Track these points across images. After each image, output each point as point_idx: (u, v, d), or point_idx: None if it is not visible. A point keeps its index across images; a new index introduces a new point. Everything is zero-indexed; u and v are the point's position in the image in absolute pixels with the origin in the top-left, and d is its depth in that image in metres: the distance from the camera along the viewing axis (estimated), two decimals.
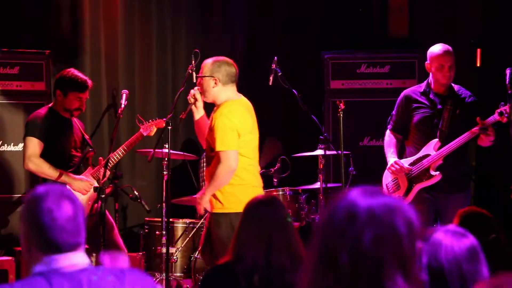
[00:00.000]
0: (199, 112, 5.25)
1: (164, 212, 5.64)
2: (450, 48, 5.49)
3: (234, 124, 4.95)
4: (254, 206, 3.44)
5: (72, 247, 2.22)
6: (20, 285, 2.17)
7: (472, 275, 2.18)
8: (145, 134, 5.84)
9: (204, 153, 6.60)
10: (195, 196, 5.22)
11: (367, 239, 1.67)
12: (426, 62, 5.53)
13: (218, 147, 4.90)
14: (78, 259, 2.23)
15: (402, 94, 5.70)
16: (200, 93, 5.17)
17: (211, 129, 4.98)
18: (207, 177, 5.10)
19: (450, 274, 2.19)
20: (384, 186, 5.70)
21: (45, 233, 2.19)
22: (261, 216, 3.34)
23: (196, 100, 5.18)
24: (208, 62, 5.14)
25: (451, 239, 2.25)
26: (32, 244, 2.22)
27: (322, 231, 1.75)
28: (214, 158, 4.97)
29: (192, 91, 5.19)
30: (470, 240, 2.28)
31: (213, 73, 5.08)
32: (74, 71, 5.52)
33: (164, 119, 5.81)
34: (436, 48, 5.49)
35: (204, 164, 6.77)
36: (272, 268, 3.21)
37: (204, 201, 4.98)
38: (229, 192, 4.93)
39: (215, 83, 5.08)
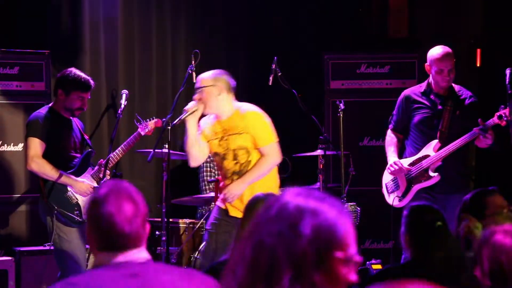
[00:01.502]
0: (195, 126, 5.19)
1: (164, 212, 5.64)
2: (449, 50, 5.47)
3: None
4: (253, 204, 3.45)
5: (133, 246, 2.29)
6: (87, 277, 2.28)
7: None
8: (143, 133, 5.84)
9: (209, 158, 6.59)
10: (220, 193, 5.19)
11: (267, 233, 1.69)
12: (426, 64, 5.53)
13: (270, 140, 5.15)
14: (138, 255, 2.29)
15: (402, 94, 5.70)
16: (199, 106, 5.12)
17: (251, 127, 5.11)
18: (222, 183, 5.15)
19: None
20: (384, 186, 5.70)
21: (104, 236, 2.28)
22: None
23: (194, 111, 5.12)
24: (207, 74, 5.17)
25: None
26: (94, 244, 2.32)
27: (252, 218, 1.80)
28: (248, 154, 5.12)
29: (192, 103, 5.14)
30: None
31: (215, 82, 5.10)
32: (76, 71, 5.51)
33: (164, 119, 5.81)
34: (436, 51, 5.47)
35: (206, 166, 6.77)
36: None
37: (240, 189, 5.04)
38: None
39: (219, 93, 5.08)
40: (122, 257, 2.27)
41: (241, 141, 5.13)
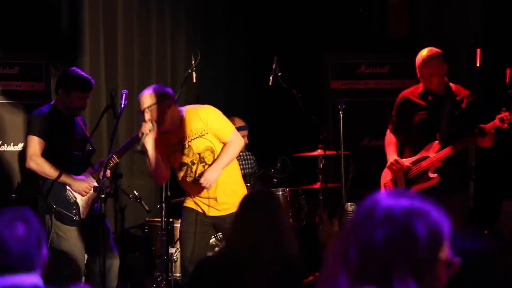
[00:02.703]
0: (153, 146, 5.04)
1: (164, 212, 5.64)
2: (433, 53, 5.43)
3: None
4: (248, 201, 3.49)
5: (23, 269, 2.20)
6: None
7: None
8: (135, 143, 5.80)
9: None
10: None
11: (378, 238, 1.65)
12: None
13: (230, 130, 5.14)
14: (28, 280, 2.20)
15: (400, 95, 5.70)
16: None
17: (210, 125, 5.08)
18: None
19: None
20: (382, 185, 5.70)
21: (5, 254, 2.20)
22: (252, 210, 3.39)
23: (150, 130, 4.97)
24: (147, 93, 5.04)
25: None
26: None
27: (345, 226, 1.75)
28: (213, 154, 5.11)
29: (144, 124, 4.98)
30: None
31: (159, 98, 5.00)
32: (78, 70, 5.51)
33: None
34: (418, 56, 5.48)
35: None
36: (252, 262, 3.23)
37: (217, 174, 5.03)
38: (243, 193, 4.96)
39: (169, 106, 5.02)
40: (9, 280, 2.18)
41: (205, 143, 5.10)
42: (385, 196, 1.71)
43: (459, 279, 1.81)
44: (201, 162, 5.11)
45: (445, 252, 1.68)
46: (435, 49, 5.48)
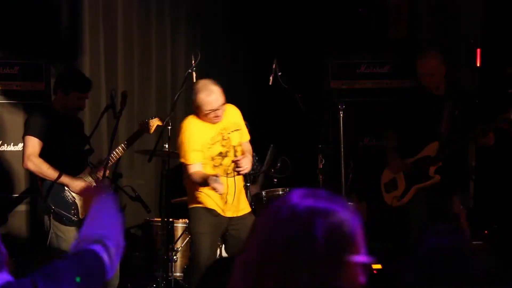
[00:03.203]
0: None
1: (163, 212, 5.64)
2: (432, 54, 5.47)
3: None
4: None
5: None
6: None
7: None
8: (144, 132, 5.81)
9: None
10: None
11: (279, 238, 1.62)
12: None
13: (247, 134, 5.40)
14: None
15: (401, 95, 5.71)
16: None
17: (241, 122, 5.37)
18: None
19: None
20: (382, 185, 5.70)
21: None
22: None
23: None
24: (218, 91, 5.20)
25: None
26: None
27: (253, 227, 1.72)
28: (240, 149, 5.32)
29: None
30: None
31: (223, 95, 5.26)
32: (76, 71, 5.52)
33: (165, 119, 5.81)
34: (418, 57, 5.52)
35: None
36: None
37: (250, 166, 5.23)
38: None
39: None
40: None
41: (239, 137, 5.30)
42: (295, 194, 1.68)
43: (432, 276, 1.79)
44: (234, 155, 5.24)
45: (355, 254, 1.63)
46: (434, 51, 5.50)
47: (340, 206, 1.66)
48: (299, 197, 1.67)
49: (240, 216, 5.26)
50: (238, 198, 5.26)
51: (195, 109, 5.23)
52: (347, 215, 1.65)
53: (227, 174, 5.22)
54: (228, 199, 5.21)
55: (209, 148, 5.21)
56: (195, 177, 5.14)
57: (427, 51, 5.52)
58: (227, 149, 5.24)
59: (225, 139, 5.24)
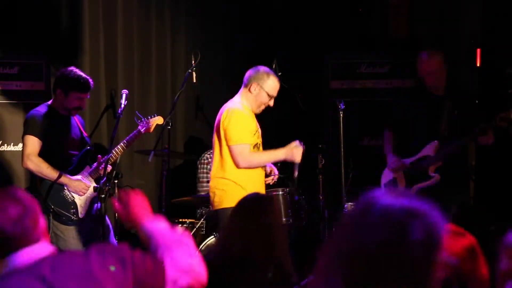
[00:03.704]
0: None
1: (163, 212, 5.64)
2: (434, 52, 5.48)
3: None
4: (241, 204, 3.53)
5: (28, 243, 2.22)
6: None
7: None
8: (143, 131, 5.80)
9: (207, 156, 6.63)
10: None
11: (373, 238, 1.60)
12: (418, 66, 5.57)
13: None
14: (37, 250, 2.23)
15: (400, 94, 5.71)
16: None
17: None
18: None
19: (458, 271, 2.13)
20: (382, 185, 5.70)
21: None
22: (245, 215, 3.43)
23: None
24: (274, 73, 5.40)
25: (452, 238, 2.22)
26: None
27: (341, 223, 1.70)
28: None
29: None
30: (469, 239, 2.24)
31: None
32: (76, 71, 5.50)
33: (165, 119, 5.81)
34: (421, 56, 5.52)
35: (202, 168, 6.76)
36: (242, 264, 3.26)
37: None
38: None
39: None
40: (21, 257, 2.21)
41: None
42: (382, 194, 1.66)
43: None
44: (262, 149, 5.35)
45: (441, 254, 1.64)
46: (437, 51, 5.50)
47: (429, 206, 1.66)
48: (389, 198, 1.65)
49: None
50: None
51: (254, 95, 5.25)
52: (436, 215, 1.65)
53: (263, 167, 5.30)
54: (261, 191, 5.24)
55: (253, 135, 5.26)
56: (258, 155, 5.16)
57: (431, 51, 5.51)
58: (260, 142, 5.32)
59: (259, 132, 5.32)
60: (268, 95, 5.27)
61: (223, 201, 5.18)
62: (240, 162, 5.14)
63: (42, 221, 2.30)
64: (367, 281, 1.59)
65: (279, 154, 5.22)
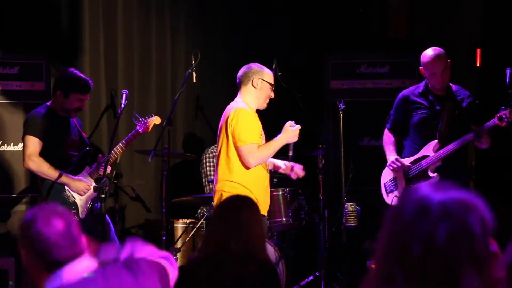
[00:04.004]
0: None
1: (164, 212, 5.64)
2: (441, 51, 5.47)
3: None
4: (221, 205, 3.66)
5: (72, 258, 2.29)
6: None
7: None
8: (141, 131, 5.80)
9: (211, 151, 6.64)
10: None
11: (441, 235, 1.58)
12: (420, 67, 5.55)
13: None
14: (83, 265, 2.30)
15: (400, 95, 5.70)
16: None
17: None
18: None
19: None
20: (382, 185, 5.70)
21: (43, 256, 2.28)
22: (223, 216, 3.52)
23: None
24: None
25: None
26: (36, 268, 2.31)
27: (390, 224, 1.68)
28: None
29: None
30: None
31: None
32: (76, 72, 5.50)
33: (165, 119, 5.81)
34: (427, 54, 5.48)
35: (208, 162, 6.76)
36: (221, 263, 3.34)
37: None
38: None
39: None
40: (66, 273, 2.27)
41: None
42: (429, 190, 1.66)
43: None
44: None
45: (492, 244, 1.65)
46: (438, 48, 5.50)
47: (477, 198, 1.66)
48: (440, 193, 1.65)
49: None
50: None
51: (259, 89, 5.26)
52: (485, 206, 1.65)
53: (267, 168, 5.28)
54: (267, 193, 5.23)
55: (260, 136, 5.24)
56: (264, 149, 5.13)
57: (438, 51, 5.49)
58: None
59: (263, 135, 5.30)
60: (271, 85, 5.25)
61: None
62: (251, 161, 5.09)
63: (83, 237, 2.38)
64: (440, 280, 1.58)
65: (281, 140, 5.19)
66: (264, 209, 5.12)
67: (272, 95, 5.29)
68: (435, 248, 1.59)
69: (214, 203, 5.19)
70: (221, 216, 3.53)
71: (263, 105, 5.29)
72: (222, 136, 5.18)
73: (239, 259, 3.34)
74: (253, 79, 5.24)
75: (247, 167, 5.11)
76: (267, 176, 5.26)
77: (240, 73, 5.31)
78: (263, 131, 5.31)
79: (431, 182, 1.72)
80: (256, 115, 5.27)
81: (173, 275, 2.54)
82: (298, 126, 5.23)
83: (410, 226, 1.63)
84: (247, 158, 5.09)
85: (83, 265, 2.31)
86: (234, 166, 5.12)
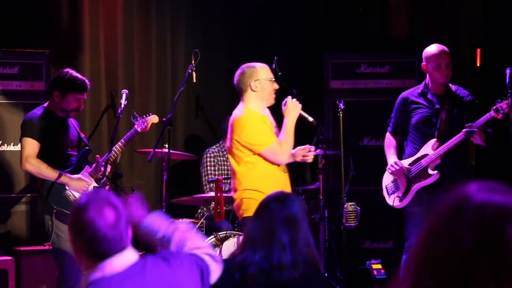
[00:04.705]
0: None
1: (164, 212, 5.64)
2: (445, 47, 5.52)
3: None
4: (265, 202, 3.45)
5: (119, 251, 2.35)
6: None
7: None
8: (139, 130, 5.79)
9: (212, 151, 6.65)
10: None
11: (468, 239, 1.50)
12: (422, 63, 5.55)
13: None
14: (126, 258, 2.35)
15: (400, 97, 5.71)
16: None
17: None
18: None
19: None
20: (384, 188, 5.70)
21: (90, 244, 2.32)
22: (268, 213, 3.34)
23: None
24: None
25: None
26: (81, 253, 2.37)
27: (430, 221, 1.59)
28: None
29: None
30: None
31: None
32: (72, 72, 5.49)
33: (164, 119, 5.81)
34: (432, 48, 5.51)
35: (209, 162, 6.76)
36: (270, 266, 3.20)
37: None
38: None
39: None
40: (112, 264, 2.33)
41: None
42: (476, 189, 1.57)
43: None
44: None
45: None
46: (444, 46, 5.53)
47: None
48: (483, 193, 1.56)
49: None
50: None
51: (259, 90, 5.21)
52: None
53: (284, 170, 5.21)
54: None
55: (271, 131, 5.20)
56: (284, 141, 5.04)
57: (442, 45, 5.50)
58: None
59: (275, 129, 5.26)
60: (269, 80, 5.22)
61: (250, 208, 4.98)
62: (280, 158, 5.05)
63: (130, 229, 2.43)
64: (460, 283, 1.50)
65: (290, 121, 5.11)
66: None
67: (276, 86, 5.24)
68: (459, 250, 1.50)
69: (234, 207, 5.16)
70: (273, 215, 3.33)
71: (270, 102, 5.25)
72: (230, 147, 5.17)
73: (290, 264, 3.20)
74: (250, 84, 5.20)
75: (277, 164, 5.08)
76: (284, 177, 5.19)
77: (235, 81, 5.27)
78: (271, 119, 5.26)
79: (481, 184, 1.61)
80: (263, 116, 5.22)
81: (215, 274, 2.58)
82: (289, 97, 5.16)
83: (442, 226, 1.55)
84: (275, 158, 5.06)
85: (126, 258, 2.35)
86: (243, 176, 5.09)
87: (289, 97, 5.17)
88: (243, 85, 5.22)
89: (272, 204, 3.37)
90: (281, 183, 5.13)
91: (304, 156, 5.18)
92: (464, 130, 5.27)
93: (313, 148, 5.21)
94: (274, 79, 5.26)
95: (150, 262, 2.41)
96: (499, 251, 1.49)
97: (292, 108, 5.13)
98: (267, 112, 5.31)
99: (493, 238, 1.49)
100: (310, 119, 5.22)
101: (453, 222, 1.53)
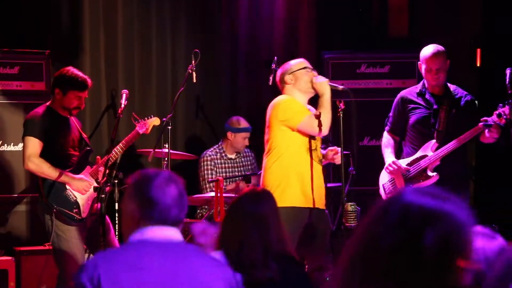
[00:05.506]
0: None
1: None
2: (441, 49, 5.47)
3: None
4: (235, 201, 3.47)
5: (174, 223, 2.50)
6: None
7: (508, 276, 1.94)
8: (141, 132, 5.79)
9: (209, 154, 6.63)
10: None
11: (389, 239, 1.53)
12: (419, 62, 5.56)
13: None
14: (172, 233, 2.50)
15: (398, 96, 5.71)
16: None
17: None
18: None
19: (484, 277, 2.06)
20: (381, 187, 5.70)
21: (155, 205, 2.48)
22: (238, 212, 3.38)
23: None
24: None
25: (481, 241, 2.17)
26: (140, 216, 2.49)
27: (362, 221, 1.64)
28: None
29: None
30: (499, 241, 2.20)
31: None
32: (73, 70, 5.50)
33: (164, 119, 5.81)
34: (426, 51, 5.50)
35: (206, 165, 6.76)
36: (241, 263, 3.19)
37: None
38: None
39: None
40: (157, 232, 2.46)
41: None
42: (408, 191, 1.59)
43: None
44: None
45: (464, 259, 1.55)
46: (440, 46, 5.50)
47: (456, 208, 1.55)
48: (413, 195, 1.57)
49: (323, 209, 5.22)
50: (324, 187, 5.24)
51: (295, 82, 5.21)
52: (461, 219, 1.54)
53: (319, 160, 5.22)
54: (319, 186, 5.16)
55: (307, 110, 5.19)
56: (323, 114, 5.05)
57: (438, 48, 5.49)
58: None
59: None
60: (304, 69, 5.22)
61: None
62: (317, 130, 5.07)
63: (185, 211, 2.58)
64: (381, 284, 1.53)
65: (325, 95, 5.11)
66: (318, 202, 5.11)
67: (314, 74, 5.22)
68: (379, 252, 1.54)
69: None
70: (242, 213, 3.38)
71: (309, 90, 5.21)
72: (267, 133, 5.20)
73: (261, 261, 3.22)
74: (285, 79, 5.23)
75: (323, 134, 5.13)
76: (317, 168, 5.17)
77: (277, 79, 5.31)
78: (310, 108, 5.23)
79: (415, 188, 1.62)
80: (300, 102, 5.19)
81: None
82: (314, 73, 5.21)
83: (367, 226, 1.61)
84: (313, 129, 5.08)
85: (171, 233, 2.48)
86: (269, 169, 5.13)
87: (314, 73, 5.20)
88: (281, 81, 5.28)
89: (241, 203, 3.41)
90: (314, 172, 5.14)
91: (334, 155, 5.26)
92: (480, 123, 5.23)
93: (339, 149, 5.22)
94: (310, 68, 5.23)
95: (192, 249, 2.54)
96: (416, 253, 1.51)
97: (324, 82, 5.16)
98: (309, 107, 5.28)
99: (411, 241, 1.51)
100: (340, 87, 5.27)
101: (378, 222, 1.57)
